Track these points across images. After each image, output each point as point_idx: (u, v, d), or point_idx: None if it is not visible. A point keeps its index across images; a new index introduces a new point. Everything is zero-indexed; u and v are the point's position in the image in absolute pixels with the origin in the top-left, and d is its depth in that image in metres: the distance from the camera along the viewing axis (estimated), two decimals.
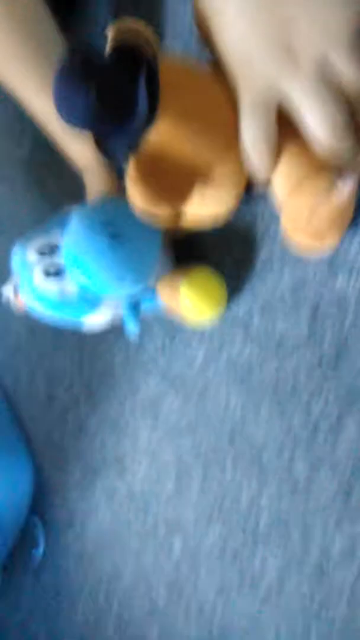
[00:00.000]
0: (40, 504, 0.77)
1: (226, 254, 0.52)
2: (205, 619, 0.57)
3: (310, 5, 0.28)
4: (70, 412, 0.71)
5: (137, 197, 0.31)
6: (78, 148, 0.54)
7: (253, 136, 0.31)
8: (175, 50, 0.53)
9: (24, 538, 0.78)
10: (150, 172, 0.31)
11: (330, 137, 0.31)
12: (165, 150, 0.31)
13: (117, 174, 0.54)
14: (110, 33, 0.30)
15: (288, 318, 0.48)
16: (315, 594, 0.48)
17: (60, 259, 0.47)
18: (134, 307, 0.51)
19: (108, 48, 0.30)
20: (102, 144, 0.31)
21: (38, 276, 0.47)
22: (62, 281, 0.47)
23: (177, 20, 0.54)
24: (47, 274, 0.46)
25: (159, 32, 0.55)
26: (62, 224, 0.48)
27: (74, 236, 0.45)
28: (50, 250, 0.47)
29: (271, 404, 0.50)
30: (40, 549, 0.76)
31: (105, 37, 0.30)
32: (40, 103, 0.52)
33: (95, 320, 0.51)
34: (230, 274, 0.52)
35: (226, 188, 0.34)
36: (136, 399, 0.62)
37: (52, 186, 0.68)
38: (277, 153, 0.32)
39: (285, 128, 0.33)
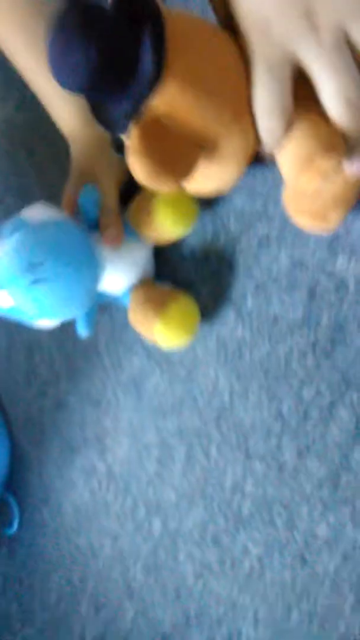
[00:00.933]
0: (16, 480, 0.75)
1: (222, 230, 0.50)
2: (182, 603, 0.56)
3: None
4: (50, 387, 0.69)
5: (139, 169, 0.28)
6: (65, 112, 0.51)
7: (267, 102, 0.29)
8: (176, 5, 0.50)
9: None
10: (154, 142, 0.28)
11: (342, 110, 0.30)
12: (170, 118, 0.28)
13: (111, 143, 0.52)
14: None
15: (283, 300, 0.47)
16: (297, 580, 0.48)
17: None
18: (87, 312, 0.51)
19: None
20: (100, 109, 0.28)
21: None
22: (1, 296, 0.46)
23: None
24: None
25: None
26: (10, 233, 0.46)
27: (4, 269, 0.44)
28: None
29: (261, 388, 0.49)
30: (14, 526, 0.74)
31: None
32: (28, 58, 0.49)
33: (43, 324, 0.49)
34: (226, 251, 0.50)
35: (231, 164, 0.32)
36: (120, 377, 0.60)
37: (38, 149, 0.65)
38: (289, 123, 0.30)
39: (298, 101, 0.31)
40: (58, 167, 0.62)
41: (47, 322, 0.49)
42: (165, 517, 0.57)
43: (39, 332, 0.69)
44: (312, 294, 0.45)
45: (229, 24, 0.31)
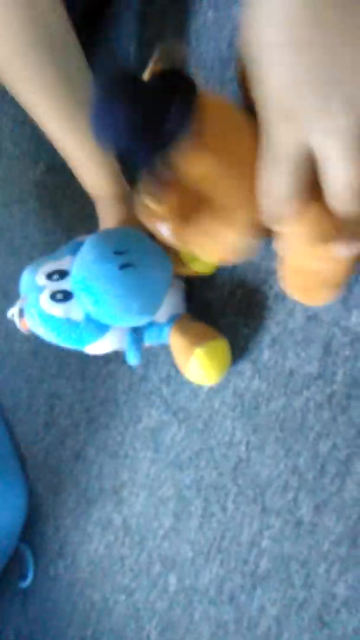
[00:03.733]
0: (31, 531, 0.74)
1: (238, 286, 0.52)
2: None
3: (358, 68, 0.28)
4: (68, 437, 0.70)
5: (166, 230, 0.31)
6: (93, 177, 0.54)
7: (272, 191, 0.31)
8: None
9: (13, 566, 0.75)
10: (184, 207, 0.31)
11: (349, 200, 0.31)
12: (200, 186, 0.31)
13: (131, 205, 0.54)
14: (155, 56, 0.30)
15: (299, 354, 0.48)
16: None
17: (69, 285, 0.46)
18: (138, 338, 0.51)
19: (148, 70, 0.30)
20: (129, 162, 0.32)
21: (45, 300, 0.46)
22: (69, 307, 0.46)
23: (201, 49, 0.54)
24: (54, 298, 0.46)
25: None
26: (74, 251, 0.48)
27: (84, 262, 0.45)
28: (60, 275, 0.47)
29: (277, 441, 0.49)
30: (29, 579, 0.73)
31: (148, 61, 0.31)
32: (57, 123, 0.52)
33: (98, 348, 0.50)
34: (242, 305, 0.51)
35: (245, 237, 0.34)
36: (137, 428, 0.61)
37: (65, 210, 0.68)
38: (291, 209, 0.32)
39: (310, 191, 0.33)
40: (84, 225, 0.65)
41: (104, 344, 0.49)
42: (181, 572, 0.56)
43: (59, 383, 0.71)
44: (327, 348, 0.46)
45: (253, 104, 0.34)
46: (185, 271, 0.51)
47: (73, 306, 0.46)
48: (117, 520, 0.63)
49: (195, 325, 0.52)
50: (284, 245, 0.35)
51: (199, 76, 0.31)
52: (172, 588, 0.57)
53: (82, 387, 0.67)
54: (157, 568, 0.59)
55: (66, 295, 0.46)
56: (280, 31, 0.27)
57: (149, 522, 0.59)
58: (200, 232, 0.31)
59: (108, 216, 0.54)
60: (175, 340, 0.51)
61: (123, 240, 0.45)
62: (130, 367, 0.61)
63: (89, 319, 0.47)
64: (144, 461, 0.60)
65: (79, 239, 0.50)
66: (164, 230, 0.31)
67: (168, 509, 0.57)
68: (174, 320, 0.52)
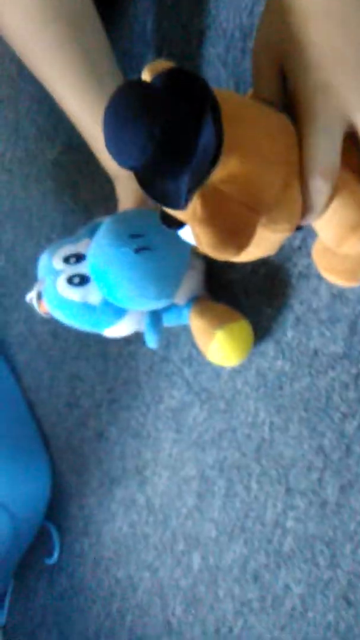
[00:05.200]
0: (56, 510, 0.75)
1: (261, 264, 0.51)
2: None
3: None
4: (91, 418, 0.70)
5: (206, 239, 0.28)
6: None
7: (322, 163, 0.30)
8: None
9: (39, 544, 0.76)
10: (217, 211, 0.28)
11: None
12: (228, 187, 0.29)
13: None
14: (153, 67, 0.28)
15: (323, 333, 0.47)
16: (341, 622, 0.46)
17: (86, 268, 0.46)
18: (156, 321, 0.50)
19: (148, 71, 0.28)
20: (154, 186, 0.28)
21: (62, 284, 0.46)
22: (86, 291, 0.46)
23: (221, 18, 0.52)
24: (71, 282, 0.45)
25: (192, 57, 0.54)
26: (92, 233, 0.47)
27: (100, 245, 0.44)
28: (77, 259, 0.46)
29: (301, 421, 0.48)
30: (55, 557, 0.74)
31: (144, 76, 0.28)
32: (76, 101, 0.51)
33: (116, 331, 0.50)
34: (265, 284, 0.50)
35: (283, 229, 0.32)
36: (159, 409, 0.61)
37: (83, 190, 0.67)
38: (336, 188, 0.31)
39: (343, 170, 0.31)
40: (102, 206, 0.64)
41: (122, 327, 0.49)
42: (204, 551, 0.57)
43: (80, 364, 0.71)
44: (353, 327, 0.45)
45: (272, 94, 0.32)
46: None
47: (90, 290, 0.46)
48: (141, 499, 0.63)
49: (216, 306, 0.51)
50: (328, 234, 0.34)
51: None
52: (196, 566, 0.57)
53: (104, 369, 0.67)
54: (180, 546, 0.59)
55: (83, 279, 0.45)
56: (327, 1, 0.27)
57: (172, 501, 0.60)
58: (246, 235, 0.29)
59: (126, 196, 0.53)
60: (195, 323, 0.50)
61: (140, 223, 0.45)
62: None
63: (106, 303, 0.47)
64: (167, 441, 0.60)
65: (98, 220, 0.49)
66: (207, 241, 0.28)
67: (191, 488, 0.57)
68: (193, 302, 0.51)
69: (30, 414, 0.78)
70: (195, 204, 0.27)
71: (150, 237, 0.43)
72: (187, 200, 0.27)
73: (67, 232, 0.70)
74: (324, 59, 0.28)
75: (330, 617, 0.47)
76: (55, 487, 0.75)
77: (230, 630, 0.54)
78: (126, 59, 0.60)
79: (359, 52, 0.28)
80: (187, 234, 0.31)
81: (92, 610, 0.70)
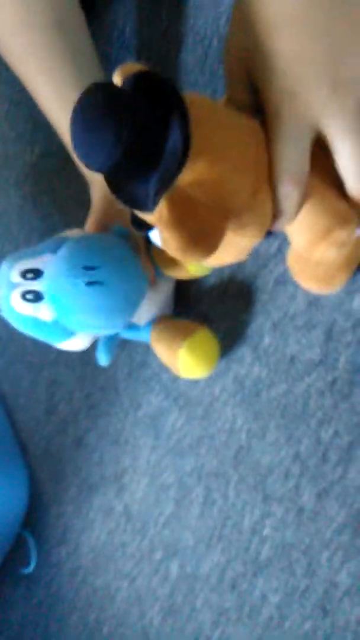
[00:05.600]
0: (33, 518, 0.74)
1: (238, 270, 0.50)
2: None
3: None
4: (69, 425, 0.69)
5: (173, 242, 0.27)
6: None
7: (289, 169, 0.30)
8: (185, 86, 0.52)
9: (16, 553, 0.75)
10: (184, 215, 0.28)
11: (357, 183, 0.30)
12: (196, 191, 0.28)
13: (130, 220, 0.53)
14: (123, 70, 0.27)
15: (300, 340, 0.46)
16: (318, 631, 0.46)
17: (42, 286, 0.46)
18: (109, 341, 0.51)
19: (118, 73, 0.27)
20: (123, 189, 0.28)
21: (16, 298, 0.46)
22: (38, 307, 0.46)
23: (199, 25, 0.52)
24: (25, 298, 0.46)
25: (170, 66, 0.54)
26: (55, 249, 0.47)
27: (54, 271, 0.44)
28: (34, 275, 0.46)
29: (278, 428, 0.48)
30: (32, 566, 0.73)
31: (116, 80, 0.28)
32: (52, 100, 0.50)
33: (70, 345, 0.50)
34: (242, 290, 0.50)
35: (252, 234, 0.32)
36: (138, 415, 0.60)
37: (62, 194, 0.67)
38: (306, 193, 0.30)
39: (313, 175, 0.31)
40: (81, 210, 0.64)
41: (75, 343, 0.49)
42: (182, 559, 0.56)
43: (59, 370, 0.70)
44: (328, 333, 0.45)
45: (243, 100, 0.32)
46: (180, 275, 0.50)
47: (43, 307, 0.46)
48: (119, 507, 0.62)
49: (173, 323, 0.52)
50: (299, 238, 0.33)
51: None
52: (173, 575, 0.57)
53: (82, 374, 0.67)
54: (158, 555, 0.58)
55: (37, 296, 0.46)
56: (288, 7, 0.27)
57: (150, 509, 0.59)
58: (214, 239, 0.29)
59: (98, 200, 0.52)
60: (157, 347, 0.51)
61: (97, 253, 0.45)
62: (129, 352, 0.60)
63: (57, 321, 0.47)
64: (145, 448, 0.59)
65: (64, 234, 0.49)
66: (174, 245, 0.28)
67: (169, 496, 0.57)
68: (152, 323, 0.52)
69: (8, 420, 0.77)
70: (162, 207, 0.27)
71: (104, 271, 0.44)
72: (155, 203, 0.27)
73: (46, 235, 0.69)
74: (289, 67, 0.28)
75: (307, 626, 0.46)
76: (32, 495, 0.74)
77: (209, 639, 0.54)
78: (105, 63, 0.60)
79: (324, 58, 0.28)
80: (156, 236, 0.31)
81: (70, 621, 0.69)
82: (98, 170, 0.26)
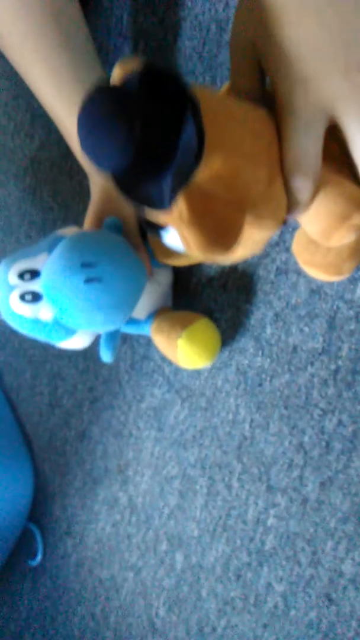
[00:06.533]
0: (39, 511, 0.75)
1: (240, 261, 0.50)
2: None
3: None
4: (72, 417, 0.69)
5: (194, 241, 0.27)
6: None
7: (301, 160, 0.29)
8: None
9: (22, 546, 0.76)
10: (203, 212, 0.27)
11: None
12: (212, 187, 0.28)
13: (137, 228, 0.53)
14: (124, 65, 0.26)
15: (302, 329, 0.46)
16: (323, 619, 0.46)
17: (39, 286, 0.46)
18: (111, 338, 0.50)
19: (119, 69, 0.27)
20: (135, 189, 0.27)
21: (14, 299, 0.46)
22: (37, 308, 0.46)
23: (196, 11, 0.52)
24: (23, 299, 0.45)
25: (168, 56, 0.53)
26: (51, 248, 0.47)
27: (51, 269, 0.44)
28: (32, 275, 0.46)
29: (281, 418, 0.48)
30: (38, 558, 0.74)
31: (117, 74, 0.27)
32: (51, 93, 0.50)
33: (70, 344, 0.50)
34: (244, 280, 0.50)
35: (269, 226, 0.31)
36: (141, 407, 0.60)
37: (61, 186, 0.66)
38: (318, 182, 0.30)
39: (326, 162, 0.31)
40: (81, 202, 0.64)
41: (76, 342, 0.49)
42: (187, 550, 0.56)
43: (62, 363, 0.70)
44: (331, 322, 0.44)
45: (252, 90, 0.31)
46: (179, 262, 0.49)
47: (42, 307, 0.46)
48: (123, 499, 0.63)
49: (173, 315, 0.51)
50: (315, 227, 0.33)
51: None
52: (178, 566, 0.57)
53: (85, 367, 0.67)
54: (163, 546, 0.58)
55: (35, 297, 0.45)
56: None
57: (155, 500, 0.59)
58: (234, 234, 0.28)
59: (100, 192, 0.52)
60: (157, 339, 0.51)
61: (94, 249, 0.44)
62: (132, 345, 0.60)
63: (57, 320, 0.46)
64: (148, 440, 0.59)
65: (60, 232, 0.49)
66: (196, 243, 0.27)
67: (173, 487, 0.57)
68: (152, 317, 0.52)
69: (12, 414, 0.77)
70: (180, 206, 0.27)
71: (101, 267, 0.43)
72: (171, 201, 0.26)
73: (47, 229, 0.69)
74: (301, 53, 0.28)
75: (312, 615, 0.47)
76: (37, 488, 0.74)
77: (214, 629, 0.54)
78: (102, 52, 0.59)
79: (336, 43, 0.27)
80: (172, 238, 0.31)
81: (76, 612, 0.70)
82: (110, 171, 0.26)
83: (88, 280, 0.42)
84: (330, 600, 0.45)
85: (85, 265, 0.42)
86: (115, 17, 0.59)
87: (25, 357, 0.75)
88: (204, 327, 0.50)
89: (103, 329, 0.47)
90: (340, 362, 0.44)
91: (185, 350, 0.49)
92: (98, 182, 0.52)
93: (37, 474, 0.74)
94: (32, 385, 0.74)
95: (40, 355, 0.73)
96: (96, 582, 0.67)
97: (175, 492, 0.57)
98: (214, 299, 0.52)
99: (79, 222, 0.56)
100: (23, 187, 0.72)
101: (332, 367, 0.44)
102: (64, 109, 0.50)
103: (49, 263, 0.44)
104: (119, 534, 0.63)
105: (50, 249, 0.46)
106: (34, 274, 0.45)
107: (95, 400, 0.66)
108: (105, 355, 0.50)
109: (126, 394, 0.61)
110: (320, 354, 0.45)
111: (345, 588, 0.44)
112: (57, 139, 0.66)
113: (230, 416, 0.52)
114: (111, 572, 0.65)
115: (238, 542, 0.51)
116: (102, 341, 0.50)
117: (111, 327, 0.47)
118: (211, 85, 0.51)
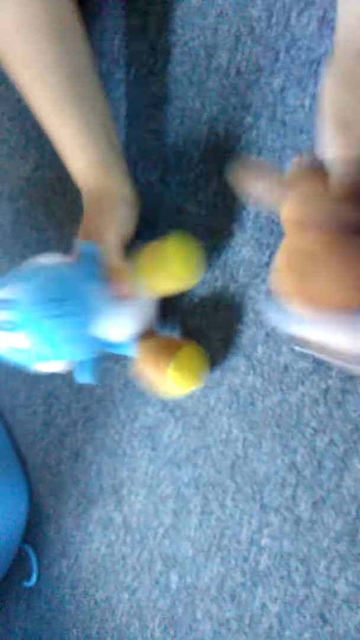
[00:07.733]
0: (34, 532, 0.74)
1: (231, 281, 0.51)
2: None
3: None
4: (67, 437, 0.69)
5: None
6: (80, 162, 0.52)
7: None
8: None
9: (17, 567, 0.75)
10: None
11: None
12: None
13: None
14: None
15: (292, 349, 0.47)
16: None
17: (16, 315, 0.46)
18: (85, 363, 0.51)
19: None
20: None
21: None
22: (13, 336, 0.46)
23: (186, 37, 0.53)
24: (2, 328, 0.46)
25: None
26: (26, 278, 0.47)
27: (23, 302, 0.45)
28: (5, 305, 0.47)
29: (274, 437, 0.48)
30: (33, 579, 0.73)
31: None
32: (49, 108, 0.50)
33: (47, 368, 0.50)
34: (235, 301, 0.50)
35: None
36: (134, 427, 0.60)
37: (55, 206, 0.67)
38: None
39: None
40: (75, 222, 0.64)
41: (51, 365, 0.50)
42: (182, 570, 0.56)
43: (56, 383, 0.70)
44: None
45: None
46: (163, 287, 0.50)
47: (19, 336, 0.46)
48: (118, 519, 0.62)
49: (158, 341, 0.52)
50: None
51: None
52: (173, 586, 0.57)
53: (79, 386, 0.67)
54: (158, 566, 0.58)
55: (13, 326, 0.46)
56: None
57: (149, 520, 0.59)
58: None
59: (91, 209, 0.52)
60: (143, 368, 0.52)
61: (62, 287, 0.46)
62: (125, 364, 0.60)
63: (33, 349, 0.47)
64: (142, 459, 0.59)
65: (36, 261, 0.49)
66: None
67: (167, 507, 0.57)
68: (136, 340, 0.52)
69: (7, 434, 0.77)
70: None
71: (67, 304, 0.46)
72: None
73: (41, 249, 0.70)
74: None
75: (307, 635, 0.46)
76: (32, 509, 0.74)
77: None
78: None
79: None
80: None
81: (71, 633, 0.69)
82: None
83: (58, 316, 0.45)
84: (324, 620, 0.45)
85: (54, 301, 0.45)
86: (107, 41, 0.60)
87: (19, 377, 0.75)
88: (190, 353, 0.51)
89: (71, 360, 0.49)
90: (330, 382, 0.44)
91: (175, 379, 0.49)
92: (90, 200, 0.53)
93: (32, 494, 0.74)
94: (26, 404, 0.74)
95: (34, 375, 0.73)
96: (91, 603, 0.66)
97: (169, 511, 0.57)
98: (205, 319, 0.52)
99: (73, 240, 0.56)
100: (17, 207, 0.72)
101: (323, 386, 0.45)
102: (59, 126, 0.51)
103: (22, 294, 0.46)
104: (113, 555, 0.63)
105: (24, 280, 0.47)
106: (9, 303, 0.46)
107: (89, 419, 0.66)
108: (81, 378, 0.52)
109: (120, 412, 0.61)
110: (310, 373, 0.46)
111: (339, 608, 0.44)
112: (50, 161, 0.66)
113: (223, 435, 0.52)
114: (106, 593, 0.64)
115: (232, 562, 0.51)
116: (76, 365, 0.51)
117: (83, 357, 0.50)
118: (201, 110, 0.52)
